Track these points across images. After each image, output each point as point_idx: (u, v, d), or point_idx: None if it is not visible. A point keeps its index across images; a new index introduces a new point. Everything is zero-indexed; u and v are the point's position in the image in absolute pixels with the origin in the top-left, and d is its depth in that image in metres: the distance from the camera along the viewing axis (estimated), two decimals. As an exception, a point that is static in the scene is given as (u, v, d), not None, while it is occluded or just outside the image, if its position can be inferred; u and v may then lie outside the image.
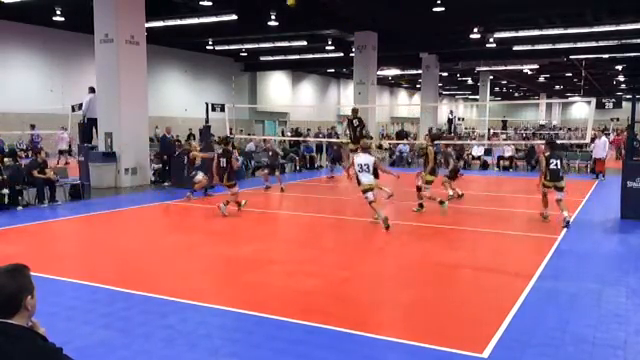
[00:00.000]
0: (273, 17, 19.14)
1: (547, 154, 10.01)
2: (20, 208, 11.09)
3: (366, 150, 9.75)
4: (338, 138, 20.88)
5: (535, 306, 5.44)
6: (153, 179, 15.76)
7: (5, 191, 10.83)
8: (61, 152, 22.07)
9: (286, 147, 22.68)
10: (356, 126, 15.24)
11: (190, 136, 25.78)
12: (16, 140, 23.33)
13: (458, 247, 8.38)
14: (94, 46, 14.83)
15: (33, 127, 22.19)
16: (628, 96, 46.34)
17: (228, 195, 10.84)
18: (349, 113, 16.60)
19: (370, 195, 9.42)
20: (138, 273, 6.68)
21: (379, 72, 28.75)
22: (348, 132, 16.08)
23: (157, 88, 29.26)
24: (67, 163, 20.28)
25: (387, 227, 9.10)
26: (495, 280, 6.60)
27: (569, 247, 8.13)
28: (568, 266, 7.04)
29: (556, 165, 9.85)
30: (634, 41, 24.46)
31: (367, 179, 9.44)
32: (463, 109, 66.27)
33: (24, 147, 22.60)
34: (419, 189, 11.04)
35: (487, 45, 24.52)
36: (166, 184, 15.21)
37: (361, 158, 9.50)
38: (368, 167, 9.38)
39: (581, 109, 66.56)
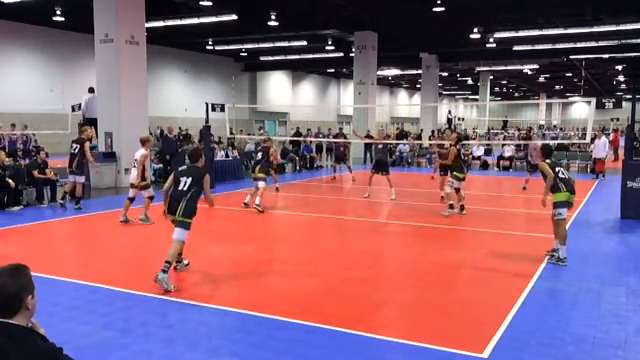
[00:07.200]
0: (273, 17, 19.14)
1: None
2: (20, 208, 11.10)
3: (144, 145, 9.67)
4: (345, 138, 20.53)
5: (535, 306, 5.44)
6: (153, 179, 15.73)
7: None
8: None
9: (286, 147, 22.61)
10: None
11: (186, 136, 25.56)
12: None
13: (458, 247, 8.39)
14: (94, 46, 14.83)
15: (14, 126, 20.47)
16: (628, 96, 46.34)
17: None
18: (349, 113, 16.31)
19: (131, 192, 9.66)
20: (138, 273, 6.67)
21: (379, 72, 28.74)
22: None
23: (157, 88, 29.22)
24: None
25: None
26: (495, 280, 6.59)
27: (569, 247, 8.10)
28: (568, 266, 7.04)
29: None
30: (634, 41, 24.46)
31: (131, 174, 9.70)
32: (463, 109, 66.28)
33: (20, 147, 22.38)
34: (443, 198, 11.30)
35: (487, 45, 24.51)
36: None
37: (136, 153, 9.67)
38: (136, 162, 9.52)
39: (581, 109, 66.45)
